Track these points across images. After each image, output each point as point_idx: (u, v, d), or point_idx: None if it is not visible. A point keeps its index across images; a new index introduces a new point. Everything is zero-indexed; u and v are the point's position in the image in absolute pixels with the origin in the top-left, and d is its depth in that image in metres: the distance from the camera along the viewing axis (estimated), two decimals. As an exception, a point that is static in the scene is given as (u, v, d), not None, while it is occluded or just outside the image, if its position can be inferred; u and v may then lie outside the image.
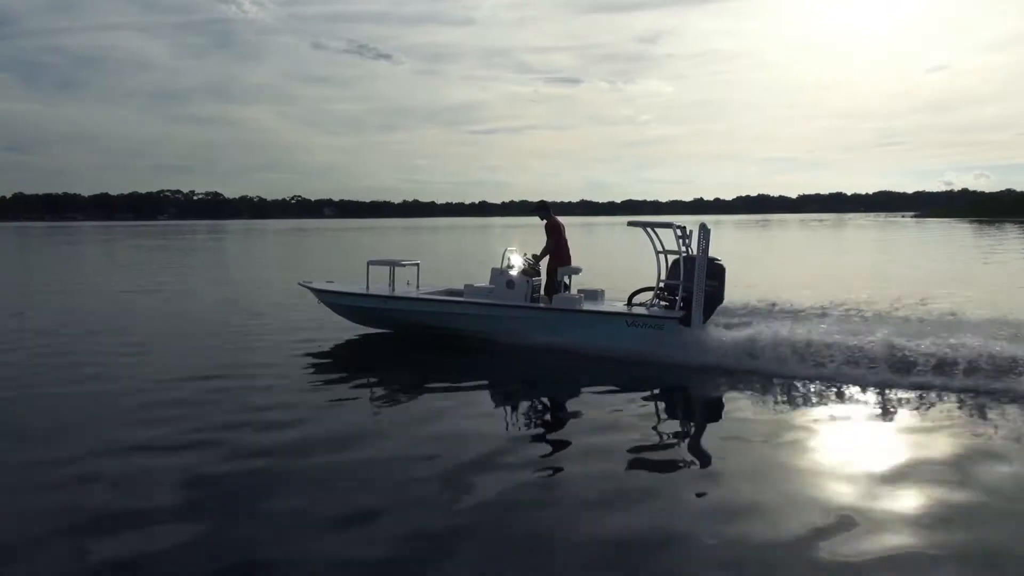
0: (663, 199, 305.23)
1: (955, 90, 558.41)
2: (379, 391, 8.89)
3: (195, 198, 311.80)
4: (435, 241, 57.05)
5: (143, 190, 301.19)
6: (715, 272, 10.25)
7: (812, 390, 8.31)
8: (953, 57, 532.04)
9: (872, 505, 5.01)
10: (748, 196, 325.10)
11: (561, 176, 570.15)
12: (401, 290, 11.73)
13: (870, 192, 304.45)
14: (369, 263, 11.88)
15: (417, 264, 12.17)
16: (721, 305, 10.48)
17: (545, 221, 11.63)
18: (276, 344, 11.38)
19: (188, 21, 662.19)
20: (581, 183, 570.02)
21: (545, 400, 8.72)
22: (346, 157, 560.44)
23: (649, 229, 11.08)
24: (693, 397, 9.00)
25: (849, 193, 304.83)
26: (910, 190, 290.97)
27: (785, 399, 8.11)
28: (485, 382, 9.34)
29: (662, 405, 8.48)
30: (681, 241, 10.57)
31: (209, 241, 64.39)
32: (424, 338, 11.40)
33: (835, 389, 8.29)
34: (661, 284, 11.02)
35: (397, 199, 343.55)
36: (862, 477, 5.55)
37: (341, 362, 10.72)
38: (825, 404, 7.85)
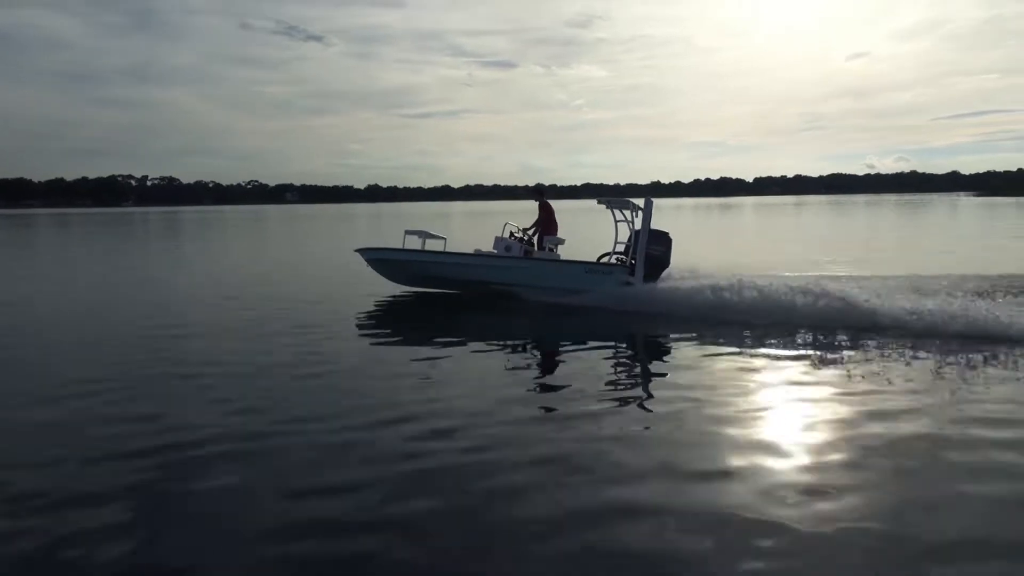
0: (622, 182, 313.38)
1: (874, 77, 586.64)
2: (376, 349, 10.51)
3: (148, 184, 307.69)
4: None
5: (56, 174, 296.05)
6: (661, 240, 13.51)
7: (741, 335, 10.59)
8: (872, 45, 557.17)
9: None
10: (709, 179, 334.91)
11: (495, 160, 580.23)
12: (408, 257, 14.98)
13: (824, 175, 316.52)
14: (406, 232, 15.19)
15: (444, 239, 15.20)
16: (668, 269, 13.87)
17: (538, 202, 15.21)
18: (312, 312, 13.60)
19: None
20: (515, 167, 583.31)
21: (527, 358, 10.09)
22: (276, 141, 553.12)
23: (614, 207, 14.90)
24: (646, 345, 11.06)
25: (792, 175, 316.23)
26: (832, 172, 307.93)
27: (722, 341, 10.21)
28: (475, 341, 10.70)
29: (625, 359, 10.08)
30: (634, 216, 14.41)
31: (227, 226, 67.11)
32: (448, 295, 15.21)
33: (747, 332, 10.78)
34: (619, 248, 14.95)
35: (329, 183, 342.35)
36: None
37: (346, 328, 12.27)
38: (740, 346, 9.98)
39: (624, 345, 11.06)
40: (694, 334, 10.83)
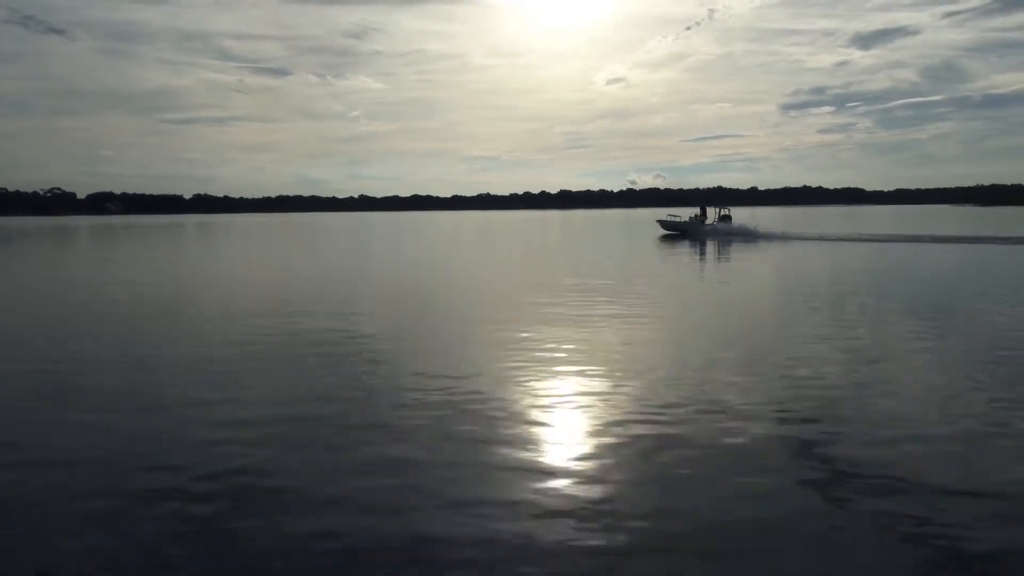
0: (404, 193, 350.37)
1: (630, 100, 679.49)
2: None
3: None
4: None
5: None
6: (728, 218, 58.21)
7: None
8: (627, 72, 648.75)
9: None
10: (529, 192, 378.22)
11: (269, 170, 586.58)
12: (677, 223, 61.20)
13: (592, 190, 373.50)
14: (668, 215, 64.38)
15: (679, 216, 61.33)
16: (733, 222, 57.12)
17: (700, 207, 60.82)
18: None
19: None
20: (291, 178, 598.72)
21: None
22: (11, 143, 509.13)
23: (707, 207, 59.80)
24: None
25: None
26: (597, 188, 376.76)
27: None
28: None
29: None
30: (704, 212, 58.52)
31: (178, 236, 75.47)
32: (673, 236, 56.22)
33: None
34: (714, 220, 57.15)
35: (80, 192, 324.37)
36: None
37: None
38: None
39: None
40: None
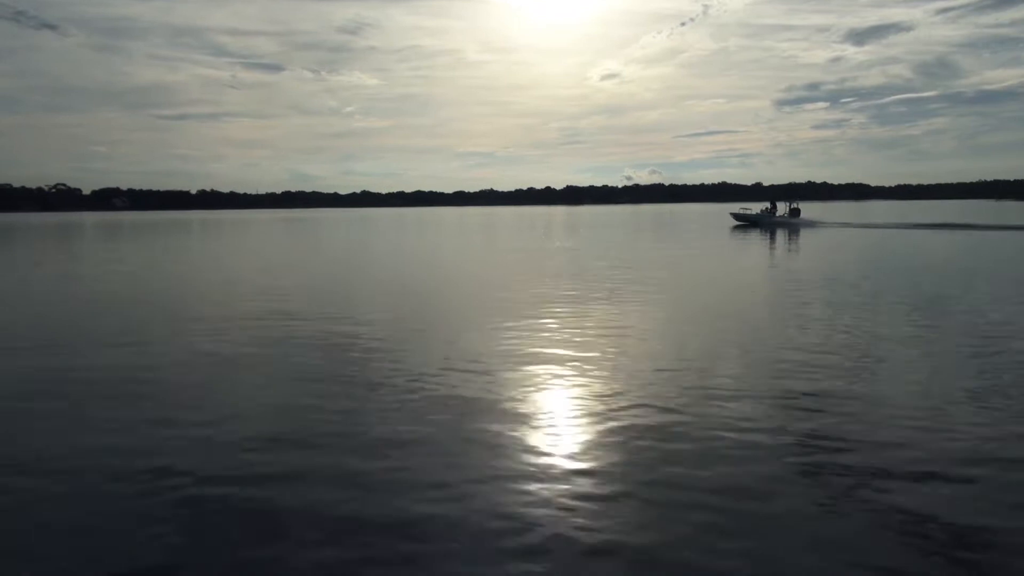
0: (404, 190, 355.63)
1: (624, 96, 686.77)
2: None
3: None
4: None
5: None
6: (797, 212, 63.37)
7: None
8: (621, 67, 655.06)
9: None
10: (552, 187, 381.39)
11: (263, 166, 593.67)
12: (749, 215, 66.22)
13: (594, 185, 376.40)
14: (740, 207, 72.51)
15: (751, 209, 66.29)
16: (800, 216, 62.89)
17: (770, 201, 65.46)
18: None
19: None
20: (285, 174, 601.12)
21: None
22: (3, 140, 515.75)
23: (778, 201, 63.64)
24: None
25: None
26: (590, 184, 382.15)
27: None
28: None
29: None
30: (774, 205, 63.73)
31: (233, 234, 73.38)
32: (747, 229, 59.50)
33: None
34: (784, 212, 62.65)
35: (79, 187, 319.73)
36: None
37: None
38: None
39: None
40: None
